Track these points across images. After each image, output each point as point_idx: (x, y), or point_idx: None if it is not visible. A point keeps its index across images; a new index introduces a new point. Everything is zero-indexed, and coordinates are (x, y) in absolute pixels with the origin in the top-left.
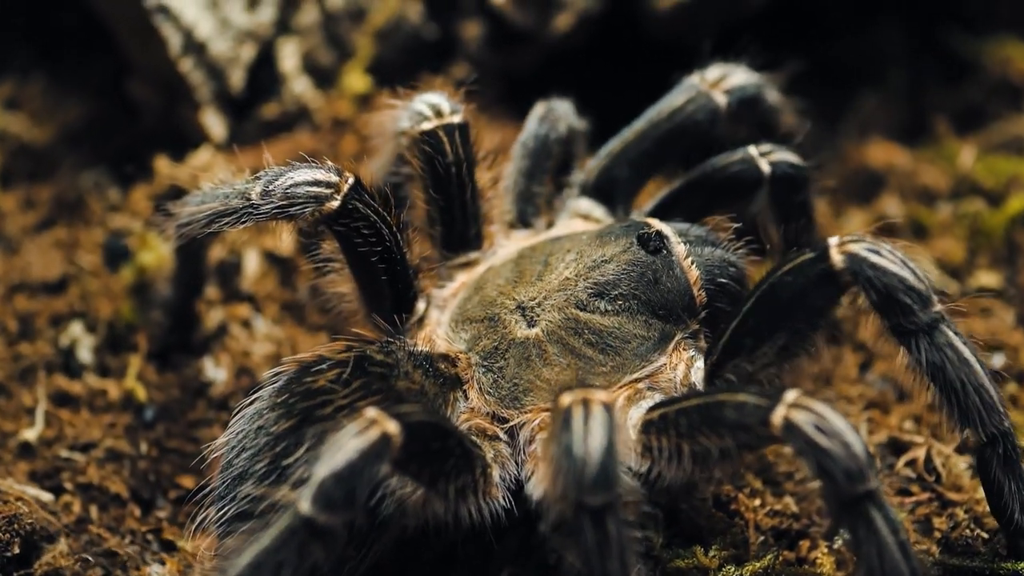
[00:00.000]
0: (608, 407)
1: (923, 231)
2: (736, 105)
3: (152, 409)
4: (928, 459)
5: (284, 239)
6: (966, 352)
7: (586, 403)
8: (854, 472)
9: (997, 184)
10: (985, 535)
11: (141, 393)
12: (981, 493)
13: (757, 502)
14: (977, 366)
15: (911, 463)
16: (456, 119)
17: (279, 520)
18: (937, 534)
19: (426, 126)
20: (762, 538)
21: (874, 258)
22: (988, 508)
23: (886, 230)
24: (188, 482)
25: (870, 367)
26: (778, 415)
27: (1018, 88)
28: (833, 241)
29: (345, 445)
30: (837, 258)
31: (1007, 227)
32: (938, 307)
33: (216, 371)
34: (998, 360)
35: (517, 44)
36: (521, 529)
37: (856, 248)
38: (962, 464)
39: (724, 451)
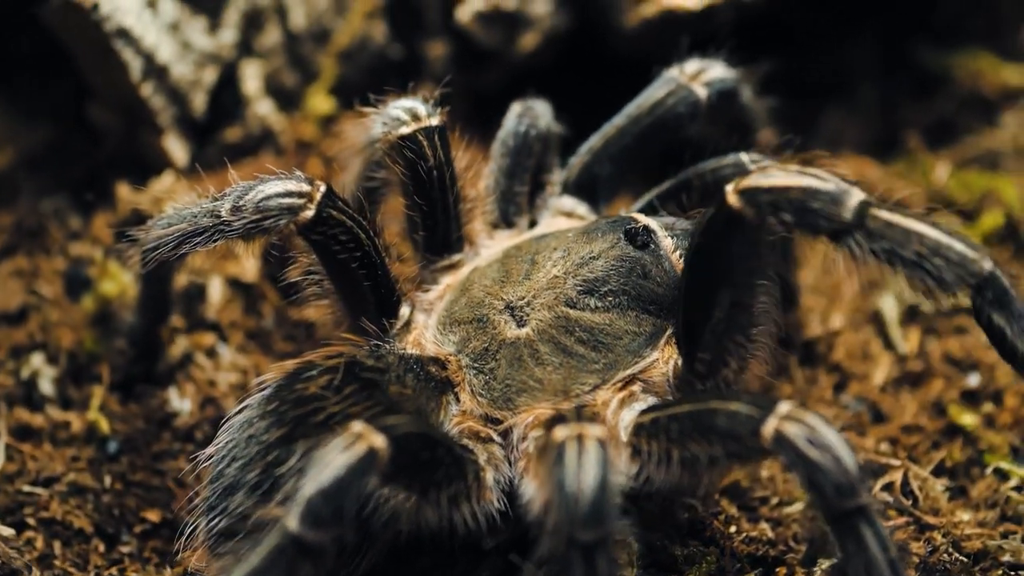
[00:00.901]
0: (603, 442)
1: None
2: (716, 98)
3: (116, 441)
4: (905, 482)
5: (248, 266)
6: (907, 222)
7: (580, 438)
8: (844, 487)
9: (971, 200)
10: (964, 559)
11: (104, 425)
12: (959, 516)
13: (732, 529)
14: (925, 229)
15: (888, 487)
16: (434, 121)
17: (267, 539)
18: (915, 559)
19: (404, 130)
20: (738, 565)
21: (767, 182)
22: (1008, 355)
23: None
24: (153, 516)
25: (845, 388)
26: (769, 427)
27: (989, 101)
28: (729, 187)
29: (332, 461)
30: (733, 199)
31: (981, 244)
32: (857, 196)
33: (181, 402)
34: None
35: (483, 63)
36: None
37: (749, 182)
38: (939, 487)
39: (713, 459)
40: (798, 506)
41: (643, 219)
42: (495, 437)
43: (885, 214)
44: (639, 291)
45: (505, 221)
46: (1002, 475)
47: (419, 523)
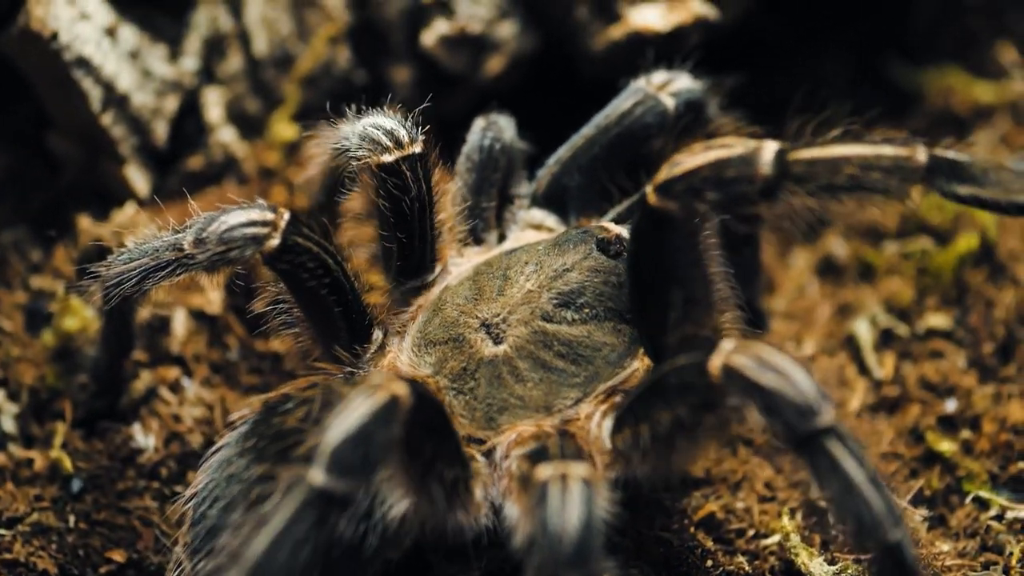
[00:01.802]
0: (587, 482)
1: (870, 271)
2: (683, 108)
3: (80, 479)
4: None
5: (213, 297)
6: (829, 151)
7: (564, 478)
8: (803, 408)
9: (944, 221)
10: None
11: (68, 463)
12: (939, 547)
13: (709, 563)
14: (849, 150)
15: None
16: (417, 149)
17: (288, 499)
18: None
19: (387, 159)
20: None
21: (678, 170)
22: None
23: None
24: (118, 556)
25: None
26: (715, 363)
27: (961, 119)
28: (648, 188)
29: (356, 409)
30: (653, 198)
31: (956, 267)
32: (771, 147)
33: (145, 438)
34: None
35: (449, 87)
36: None
37: (662, 176)
38: (918, 517)
39: (680, 421)
40: (775, 538)
41: (615, 228)
42: (478, 457)
43: (805, 153)
44: (615, 301)
45: (474, 237)
46: (982, 503)
47: (412, 531)
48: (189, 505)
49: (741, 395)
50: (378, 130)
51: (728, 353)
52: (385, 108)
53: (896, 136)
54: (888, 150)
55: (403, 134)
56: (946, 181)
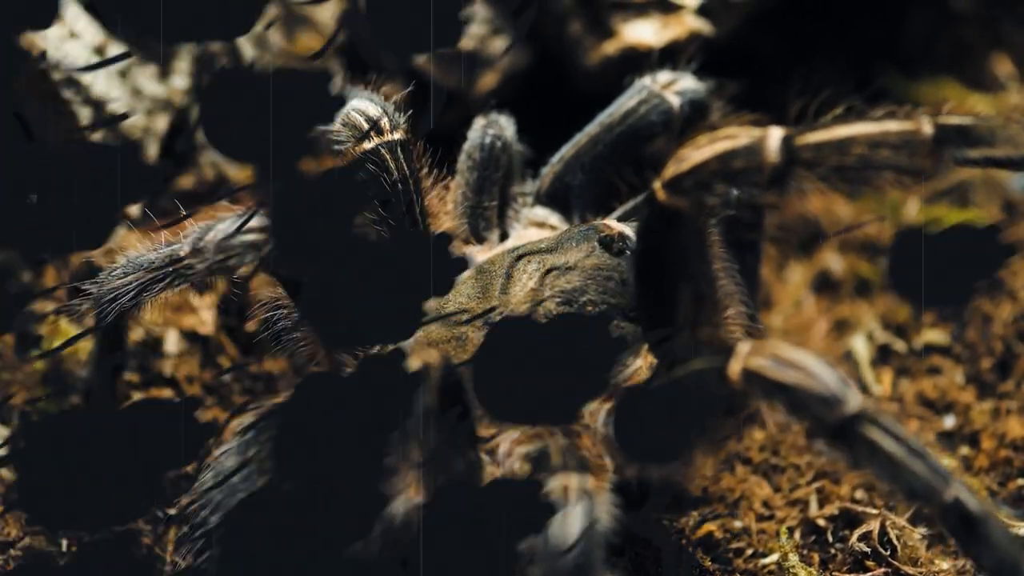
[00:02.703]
0: (589, 494)
1: (867, 286)
2: (688, 108)
3: None
4: (883, 531)
5: (205, 317)
6: (837, 133)
7: (565, 490)
8: (829, 398)
9: None
10: None
11: None
12: (939, 565)
13: None
14: (856, 130)
15: (865, 536)
16: (398, 135)
17: None
18: None
19: (367, 146)
20: None
21: (685, 165)
22: None
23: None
24: None
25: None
26: (734, 368)
27: None
28: (656, 183)
29: None
30: (662, 195)
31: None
32: (776, 134)
33: None
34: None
35: (441, 104)
36: None
37: (670, 172)
38: (917, 535)
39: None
40: (774, 557)
41: (617, 226)
42: (483, 455)
43: (811, 137)
44: (618, 299)
45: (475, 236)
46: None
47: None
48: (190, 510)
49: (764, 396)
50: (360, 116)
51: (745, 356)
52: (368, 90)
53: (899, 110)
54: (894, 125)
55: (385, 122)
56: (956, 148)
